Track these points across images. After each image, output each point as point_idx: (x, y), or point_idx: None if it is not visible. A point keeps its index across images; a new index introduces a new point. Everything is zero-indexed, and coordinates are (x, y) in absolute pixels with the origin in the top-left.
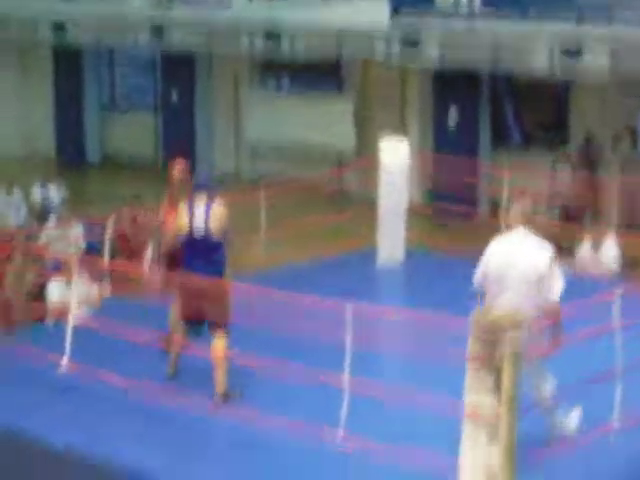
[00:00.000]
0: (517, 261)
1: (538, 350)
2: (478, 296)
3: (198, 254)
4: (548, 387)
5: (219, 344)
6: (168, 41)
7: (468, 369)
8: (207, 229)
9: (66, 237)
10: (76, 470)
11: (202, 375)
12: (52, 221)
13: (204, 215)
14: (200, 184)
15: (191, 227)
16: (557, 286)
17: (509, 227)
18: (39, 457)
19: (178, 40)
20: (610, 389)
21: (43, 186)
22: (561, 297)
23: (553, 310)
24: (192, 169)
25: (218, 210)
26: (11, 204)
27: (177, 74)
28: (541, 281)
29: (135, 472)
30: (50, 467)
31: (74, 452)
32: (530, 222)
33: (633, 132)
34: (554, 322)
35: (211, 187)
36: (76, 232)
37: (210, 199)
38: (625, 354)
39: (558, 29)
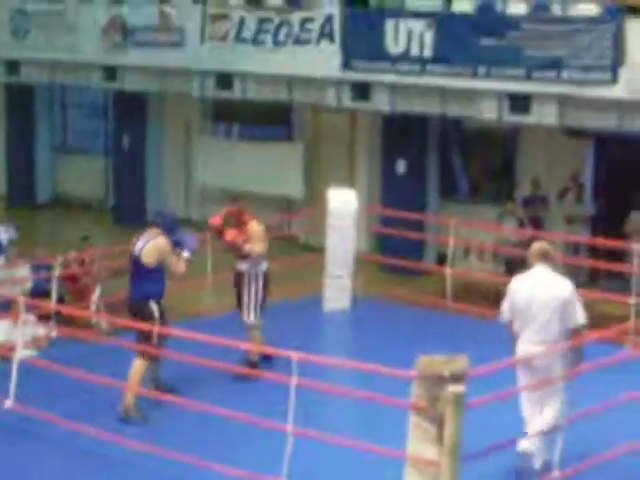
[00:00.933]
0: (540, 292)
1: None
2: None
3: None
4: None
5: (135, 364)
6: (121, 82)
7: (412, 418)
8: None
9: (13, 278)
10: None
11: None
12: (0, 261)
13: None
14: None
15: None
16: (580, 311)
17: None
18: None
19: (131, 81)
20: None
21: None
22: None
23: (580, 333)
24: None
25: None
26: None
27: (129, 118)
28: (564, 308)
29: None
30: None
31: None
32: (548, 258)
33: (579, 185)
34: (577, 346)
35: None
36: (23, 273)
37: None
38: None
39: (507, 85)
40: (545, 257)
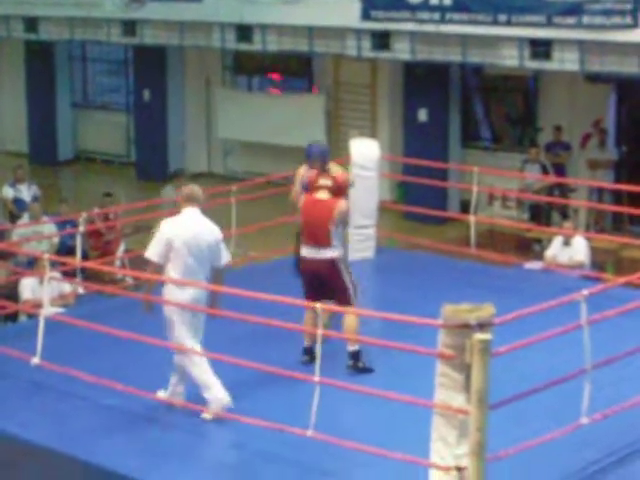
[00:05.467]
0: (191, 233)
1: None
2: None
3: None
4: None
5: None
6: (140, 37)
7: (438, 366)
8: None
9: (38, 235)
10: (49, 465)
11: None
12: (24, 219)
13: None
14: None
15: None
16: (226, 253)
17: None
18: (12, 453)
19: (150, 36)
20: (579, 386)
21: (15, 184)
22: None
23: (223, 273)
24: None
25: None
26: None
27: (149, 72)
28: (214, 249)
29: (107, 470)
30: (23, 463)
31: (48, 449)
32: (196, 201)
33: (602, 131)
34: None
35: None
36: (48, 230)
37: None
38: (593, 352)
39: (528, 31)
40: (193, 200)
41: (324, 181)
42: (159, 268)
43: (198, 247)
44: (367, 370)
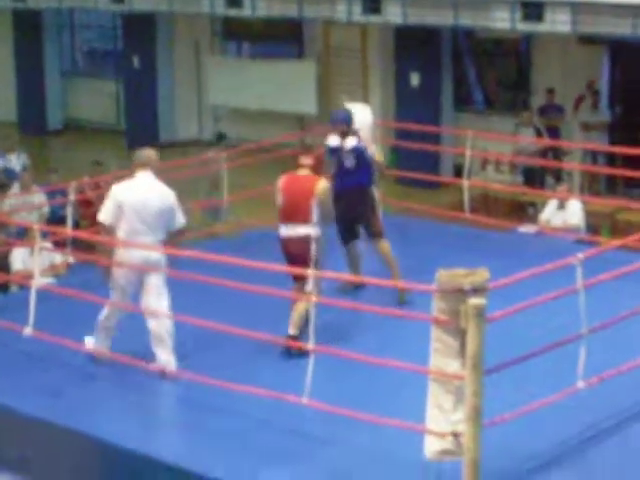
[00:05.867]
0: (145, 197)
1: None
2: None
3: None
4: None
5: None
6: (129, 4)
7: (433, 332)
8: None
9: (29, 205)
10: (44, 436)
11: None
12: (14, 189)
13: None
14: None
15: None
16: (181, 214)
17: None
18: (5, 424)
19: (139, 2)
20: (574, 350)
21: (4, 154)
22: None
23: (182, 234)
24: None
25: None
26: None
27: (138, 39)
28: (168, 212)
29: (103, 441)
30: (17, 434)
31: (42, 420)
32: (150, 165)
33: (595, 93)
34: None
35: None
36: (39, 199)
37: None
38: (588, 316)
39: None
40: (146, 164)
41: (305, 160)
42: (111, 230)
43: (147, 211)
44: (302, 355)
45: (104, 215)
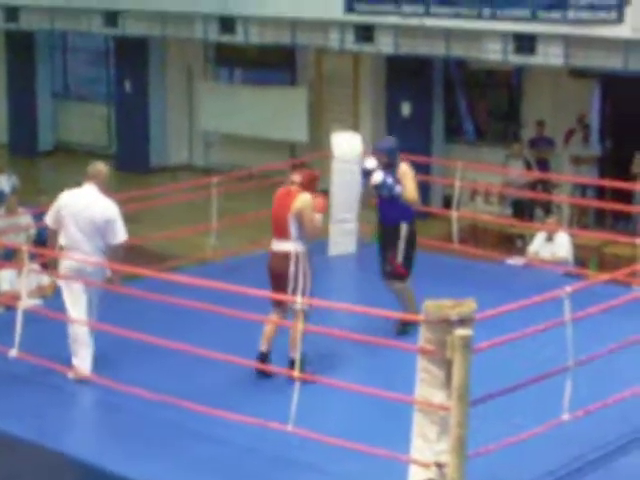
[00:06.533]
0: (83, 209)
1: None
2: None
3: None
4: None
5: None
6: (122, 27)
7: (419, 362)
8: None
9: (16, 226)
10: (28, 459)
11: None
12: (1, 210)
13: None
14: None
15: None
16: (122, 229)
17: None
18: None
19: (132, 26)
20: (561, 383)
21: None
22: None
23: (120, 250)
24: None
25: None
26: None
27: (131, 63)
28: (107, 226)
29: (87, 463)
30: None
31: (27, 442)
32: (97, 179)
33: (586, 126)
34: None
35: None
36: (25, 221)
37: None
38: (575, 349)
39: (512, 26)
40: (92, 177)
41: (295, 176)
42: (52, 233)
43: (84, 221)
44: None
45: (47, 218)
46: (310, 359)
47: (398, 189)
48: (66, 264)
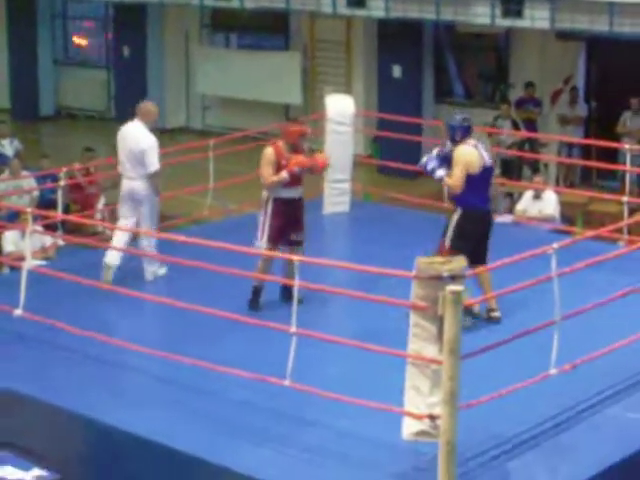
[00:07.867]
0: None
1: None
2: None
3: None
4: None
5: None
6: None
7: (411, 317)
8: None
9: (20, 188)
10: (34, 416)
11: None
12: (5, 173)
13: None
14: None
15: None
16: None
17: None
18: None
19: None
20: (548, 337)
21: None
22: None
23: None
24: None
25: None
26: None
27: (129, 29)
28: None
29: (92, 420)
30: (7, 413)
31: (32, 399)
32: (149, 116)
33: (573, 88)
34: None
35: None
36: (28, 184)
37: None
38: (563, 304)
39: None
40: (140, 114)
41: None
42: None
43: (124, 149)
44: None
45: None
46: (303, 315)
47: (439, 174)
48: (124, 186)
